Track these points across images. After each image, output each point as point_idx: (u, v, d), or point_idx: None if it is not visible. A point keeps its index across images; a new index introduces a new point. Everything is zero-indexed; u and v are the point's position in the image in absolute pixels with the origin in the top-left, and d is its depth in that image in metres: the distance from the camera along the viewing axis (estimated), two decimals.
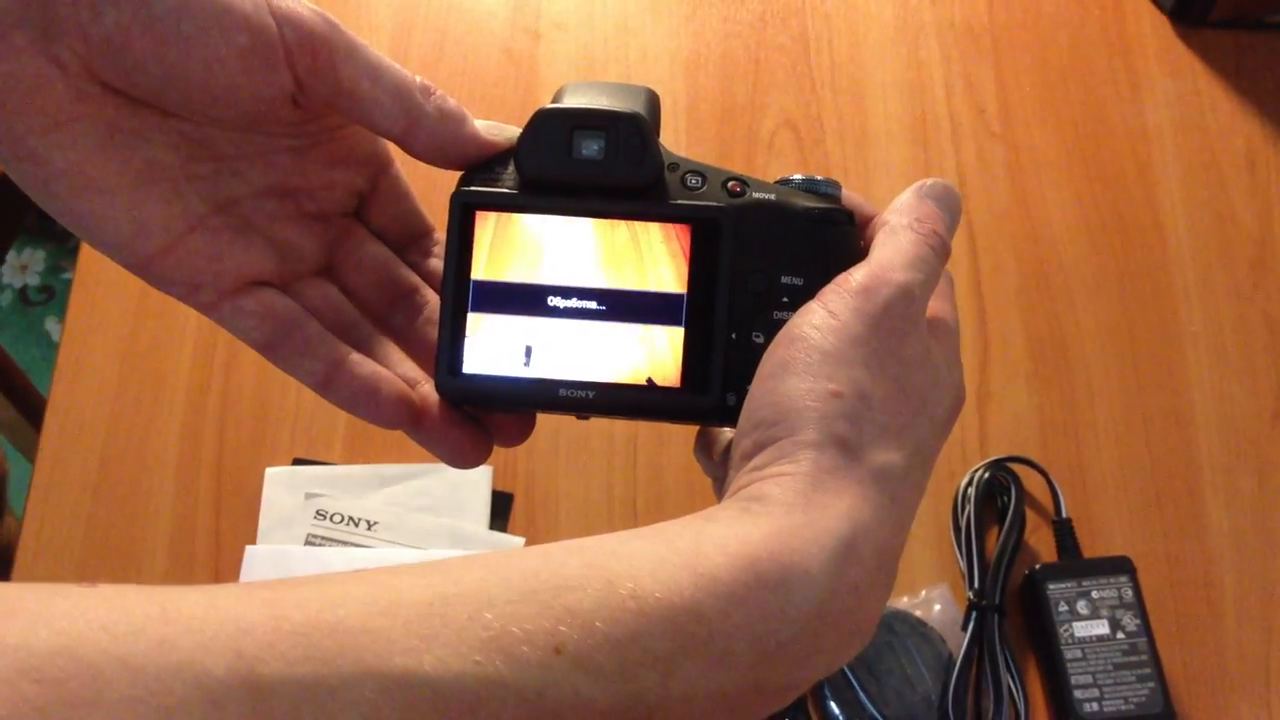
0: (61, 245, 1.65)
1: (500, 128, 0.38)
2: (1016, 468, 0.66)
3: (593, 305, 0.36)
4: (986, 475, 0.66)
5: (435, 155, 0.37)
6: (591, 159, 0.36)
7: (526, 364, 0.37)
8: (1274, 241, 0.74)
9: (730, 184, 0.37)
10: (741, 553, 0.30)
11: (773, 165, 0.77)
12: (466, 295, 0.37)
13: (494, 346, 0.37)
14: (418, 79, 0.36)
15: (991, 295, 0.73)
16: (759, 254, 0.37)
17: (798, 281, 0.37)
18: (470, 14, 0.80)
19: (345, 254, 0.40)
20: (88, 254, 0.75)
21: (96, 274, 0.74)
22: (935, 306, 0.37)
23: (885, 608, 0.62)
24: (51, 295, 1.61)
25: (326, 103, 0.35)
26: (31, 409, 1.19)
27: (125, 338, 0.72)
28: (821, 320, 0.33)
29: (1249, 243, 0.74)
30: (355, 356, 0.37)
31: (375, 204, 0.40)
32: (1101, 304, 0.72)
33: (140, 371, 0.71)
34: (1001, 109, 0.79)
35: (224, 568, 0.66)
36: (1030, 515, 0.66)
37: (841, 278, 0.34)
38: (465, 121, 0.37)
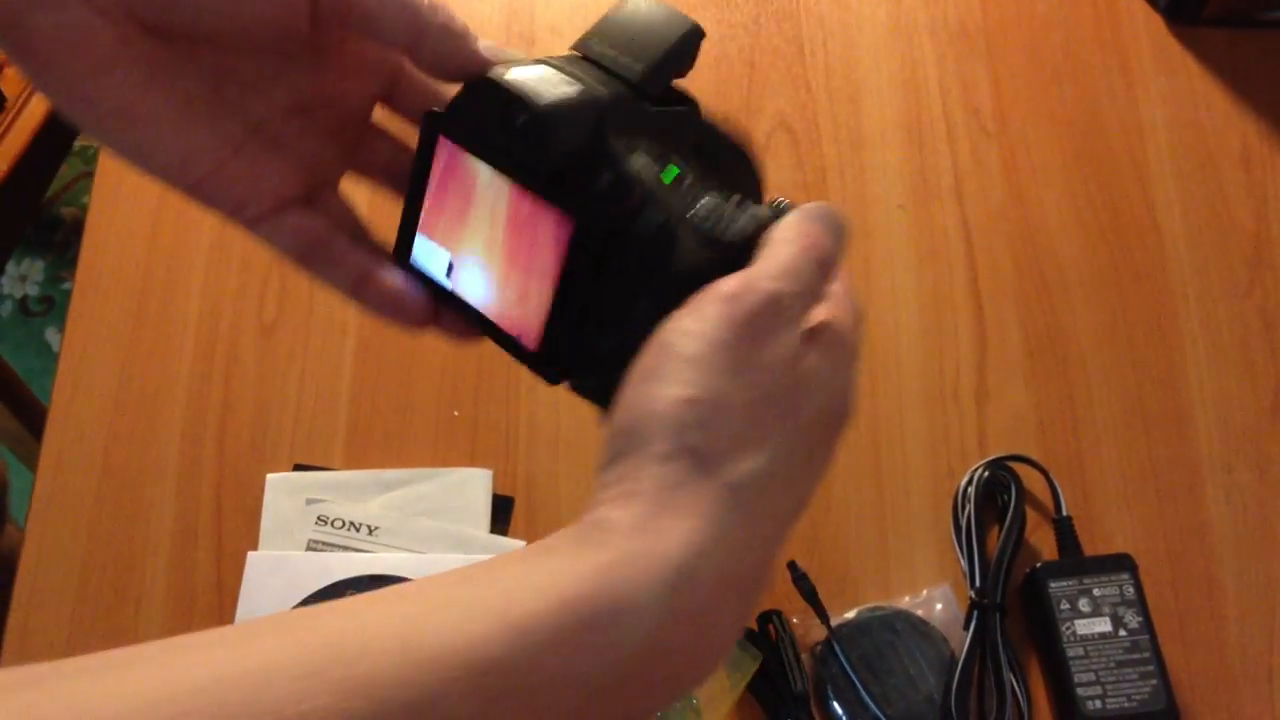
0: (61, 255, 1.65)
1: (503, 51, 0.39)
2: (1016, 466, 0.66)
3: (498, 253, 0.39)
4: (986, 474, 0.66)
5: (439, 69, 0.38)
6: (514, 131, 0.37)
7: (448, 276, 0.40)
8: (1270, 238, 0.75)
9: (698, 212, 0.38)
10: (560, 595, 0.29)
11: (769, 166, 0.77)
12: (421, 203, 0.40)
13: (431, 252, 0.40)
14: None
15: (988, 294, 0.73)
16: (626, 270, 0.37)
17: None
18: (464, 19, 0.80)
19: (367, 158, 0.42)
20: (87, 263, 0.75)
21: (96, 283, 0.74)
22: (825, 314, 0.36)
23: (886, 608, 0.63)
24: (51, 305, 1.62)
25: (340, 18, 0.37)
26: (32, 419, 1.20)
27: (125, 346, 0.72)
28: (687, 326, 0.33)
29: (1245, 239, 0.74)
30: (382, 268, 0.40)
31: (400, 100, 0.42)
32: (1099, 302, 0.73)
33: (140, 380, 0.71)
34: (996, 108, 0.79)
35: (225, 574, 0.66)
36: (1030, 514, 0.66)
37: (713, 285, 0.34)
38: (469, 38, 0.38)
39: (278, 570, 0.65)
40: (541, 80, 0.38)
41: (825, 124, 0.79)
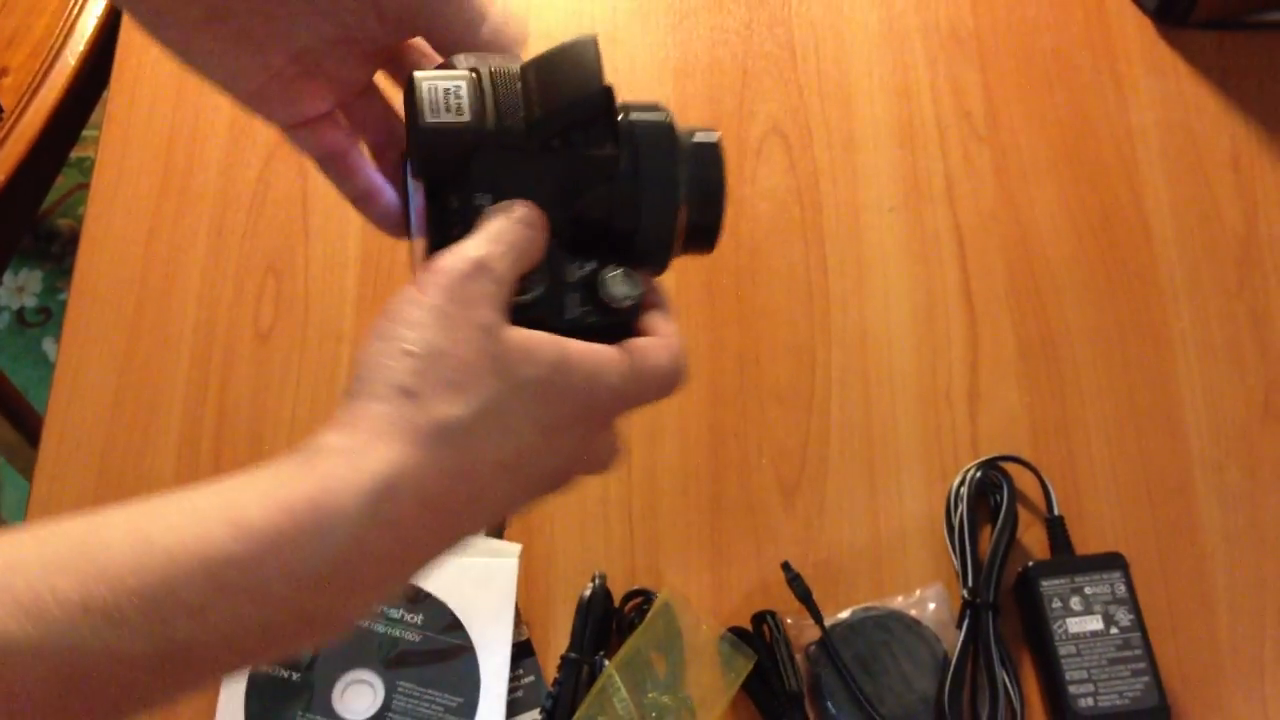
0: (58, 266, 1.65)
1: (503, 33, 0.46)
2: (1008, 466, 0.67)
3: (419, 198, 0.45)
4: (978, 475, 0.66)
5: (460, 45, 0.45)
6: (409, 131, 0.44)
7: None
8: (1259, 239, 0.75)
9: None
10: (278, 501, 0.33)
11: (761, 171, 0.78)
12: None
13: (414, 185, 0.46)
14: None
15: (980, 296, 0.73)
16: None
17: None
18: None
19: (396, 71, 0.47)
20: (82, 273, 0.76)
21: (91, 292, 0.75)
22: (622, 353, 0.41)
23: (880, 608, 0.63)
24: (48, 316, 1.62)
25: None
26: (29, 429, 1.20)
27: (120, 355, 0.73)
28: (408, 293, 0.38)
29: (1234, 241, 0.75)
30: (384, 187, 0.47)
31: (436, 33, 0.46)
32: (1090, 303, 0.73)
33: (136, 388, 0.72)
34: (987, 112, 0.79)
35: None
36: (1022, 513, 0.66)
37: (432, 257, 0.40)
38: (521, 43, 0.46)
39: None
40: (445, 96, 0.43)
41: (818, 128, 0.80)
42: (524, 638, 0.64)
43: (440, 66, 0.46)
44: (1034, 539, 0.66)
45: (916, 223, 0.76)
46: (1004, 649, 0.62)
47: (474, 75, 0.44)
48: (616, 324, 0.45)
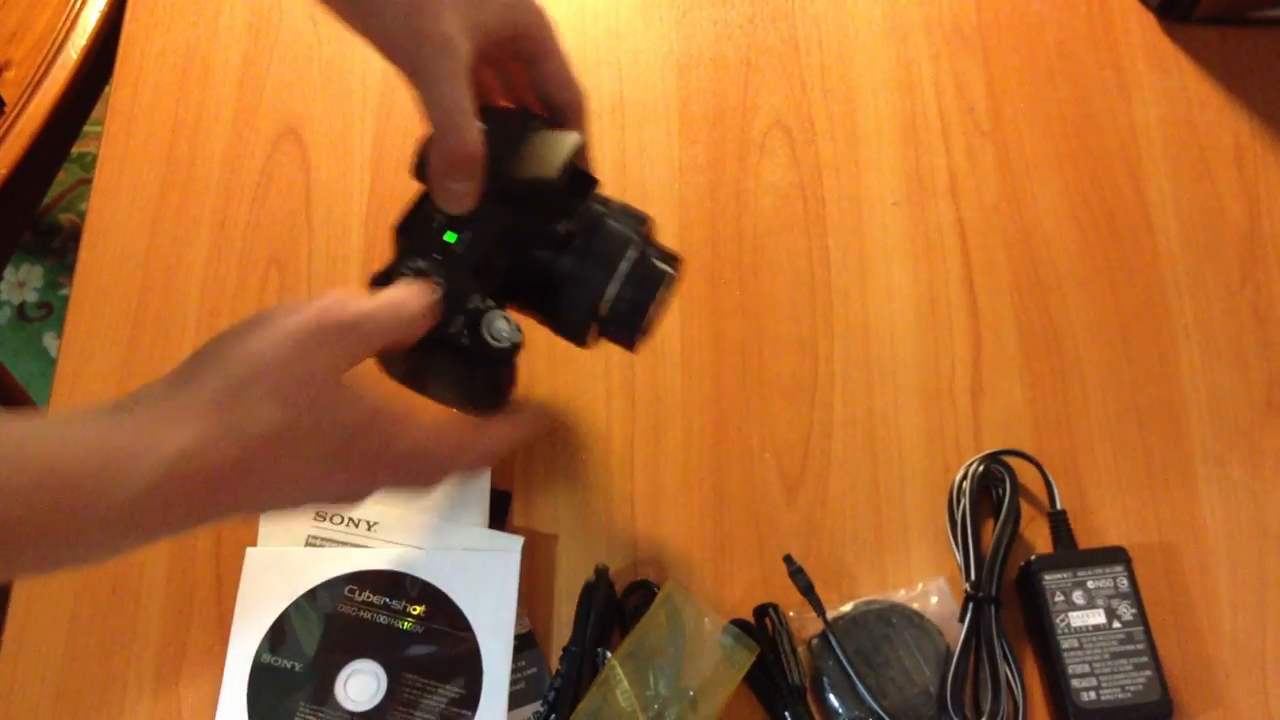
0: (59, 261, 1.65)
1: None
2: (1011, 461, 0.67)
3: None
4: (981, 469, 0.66)
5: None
6: None
7: None
8: (1262, 235, 0.75)
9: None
10: (99, 443, 0.43)
11: (764, 165, 0.78)
12: None
13: None
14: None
15: (983, 291, 0.73)
16: None
17: None
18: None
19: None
20: (84, 267, 0.76)
21: (93, 287, 0.75)
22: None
23: (882, 602, 0.63)
24: (50, 311, 1.62)
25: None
26: None
27: (123, 347, 0.73)
28: (288, 307, 0.47)
29: (1237, 237, 0.75)
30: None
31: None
32: (1093, 298, 0.73)
33: (139, 380, 0.72)
34: (991, 107, 0.79)
35: (225, 570, 0.66)
36: (1025, 508, 0.66)
37: (322, 296, 0.48)
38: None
39: (276, 566, 0.65)
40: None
41: (821, 122, 0.80)
42: (526, 629, 0.64)
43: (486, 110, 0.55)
44: (1036, 533, 0.66)
45: (919, 217, 0.76)
46: (1006, 643, 0.62)
47: (493, 122, 0.54)
48: (486, 355, 0.54)
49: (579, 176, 0.57)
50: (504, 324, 0.53)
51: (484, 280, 0.54)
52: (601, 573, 0.63)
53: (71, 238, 1.66)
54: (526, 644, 0.64)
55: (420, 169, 0.55)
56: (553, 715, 0.60)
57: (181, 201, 0.77)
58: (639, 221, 0.57)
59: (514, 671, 0.63)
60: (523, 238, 0.56)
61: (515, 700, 0.62)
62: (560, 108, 0.58)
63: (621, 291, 0.56)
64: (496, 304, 0.54)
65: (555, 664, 0.63)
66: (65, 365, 0.73)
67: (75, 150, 1.57)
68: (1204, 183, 0.76)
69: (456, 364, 0.55)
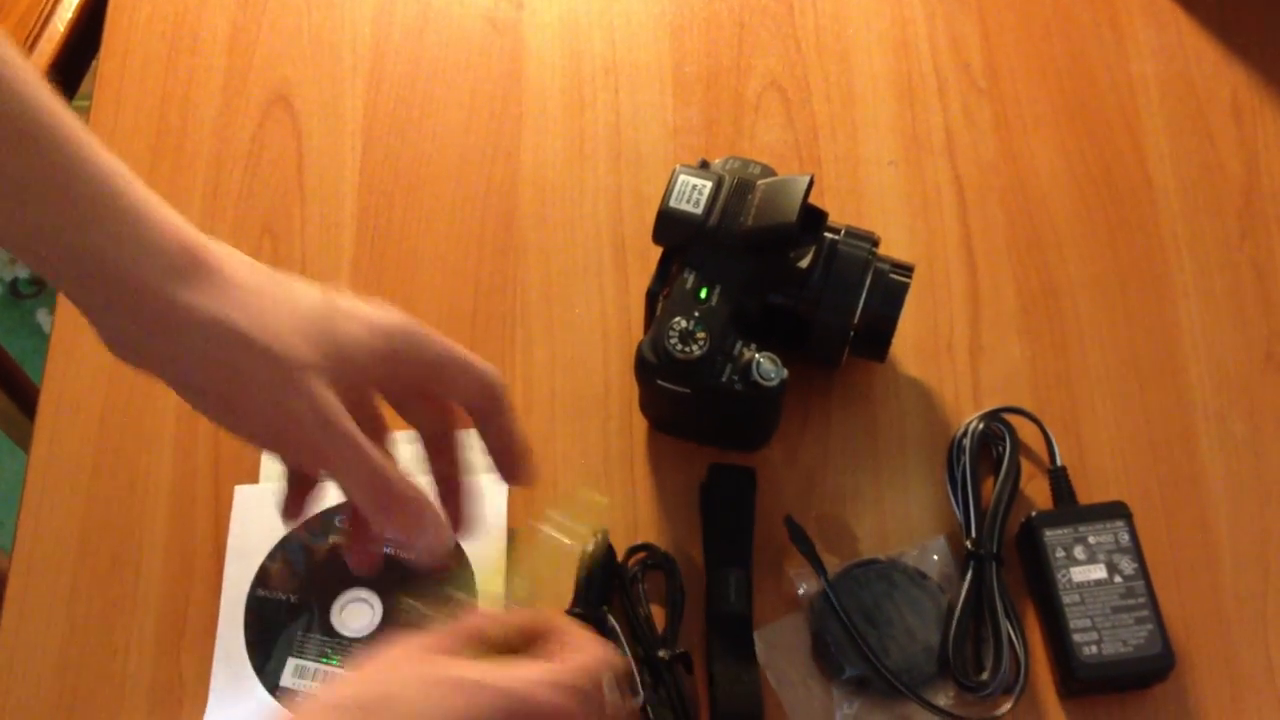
0: None
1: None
2: (1011, 418, 0.66)
3: None
4: (981, 427, 0.66)
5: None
6: None
7: None
8: (1261, 189, 0.75)
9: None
10: None
11: (759, 126, 0.77)
12: None
13: None
14: None
15: (981, 249, 0.73)
16: None
17: None
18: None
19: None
20: None
21: None
22: None
23: (883, 560, 0.63)
24: (42, 287, 1.61)
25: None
26: (25, 401, 1.19)
27: None
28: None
29: (1236, 191, 0.74)
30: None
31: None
32: (1091, 255, 0.73)
33: None
34: (987, 64, 0.79)
35: (224, 541, 0.66)
36: (1025, 465, 0.66)
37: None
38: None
39: (267, 502, 0.65)
40: (691, 191, 0.63)
41: (816, 82, 0.79)
42: (529, 593, 0.64)
43: (703, 164, 0.65)
44: (1037, 490, 0.66)
45: (916, 176, 0.76)
46: (1007, 599, 0.62)
47: (719, 181, 0.63)
48: (756, 397, 0.59)
49: (810, 212, 0.62)
50: (770, 365, 0.59)
51: (740, 327, 0.60)
52: (601, 536, 0.63)
53: None
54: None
55: (657, 237, 0.63)
56: None
57: (172, 171, 0.77)
58: (870, 242, 0.63)
59: None
60: (768, 279, 0.62)
61: None
62: (484, 403, 0.52)
63: (868, 309, 0.62)
64: (757, 347, 0.60)
65: None
66: (59, 340, 0.72)
67: None
68: (1202, 138, 0.76)
69: (731, 409, 0.61)
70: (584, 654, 0.46)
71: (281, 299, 0.48)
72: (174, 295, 0.45)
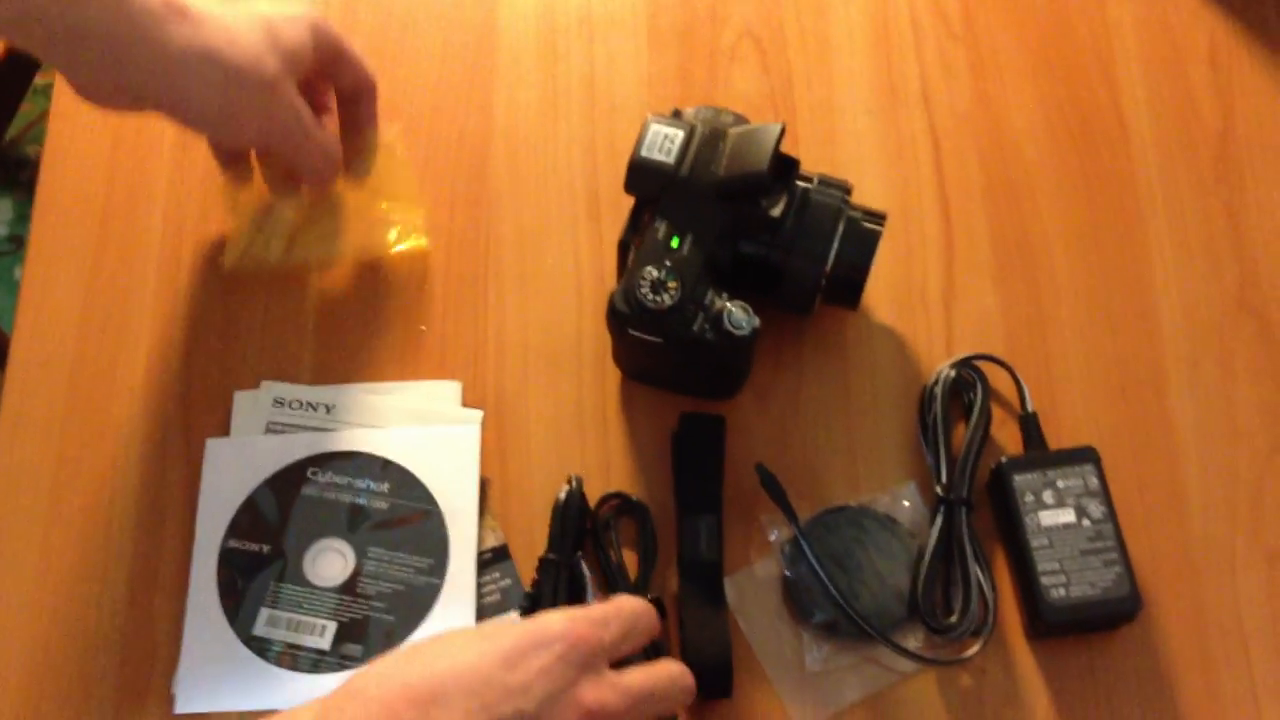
0: (29, 195, 1.63)
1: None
2: (983, 365, 0.66)
3: None
4: (953, 374, 0.66)
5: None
6: None
7: None
8: (1236, 136, 0.74)
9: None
10: None
11: (735, 74, 0.77)
12: None
13: None
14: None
15: (956, 196, 0.73)
16: None
17: None
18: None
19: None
20: (46, 187, 0.75)
21: (56, 207, 0.74)
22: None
23: (854, 506, 0.63)
24: (19, 244, 1.60)
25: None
26: (5, 356, 1.19)
27: (87, 269, 0.72)
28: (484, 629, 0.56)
29: (1211, 136, 0.74)
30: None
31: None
32: (1066, 201, 0.73)
33: (105, 303, 0.71)
34: (963, 12, 0.78)
35: (196, 490, 0.66)
36: (997, 412, 0.66)
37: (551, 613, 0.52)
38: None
39: (238, 454, 0.65)
40: (662, 140, 0.63)
41: (791, 31, 0.78)
42: (501, 542, 0.64)
43: (675, 114, 0.64)
44: (1008, 437, 0.66)
45: (892, 125, 0.75)
46: (977, 544, 0.62)
47: (690, 130, 0.62)
48: (728, 346, 0.59)
49: (782, 160, 0.62)
50: (742, 314, 0.59)
51: (712, 275, 0.60)
52: (575, 484, 0.63)
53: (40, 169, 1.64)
54: (500, 556, 0.64)
55: (629, 186, 0.63)
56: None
57: (141, 122, 0.76)
58: (843, 190, 0.63)
59: (488, 583, 0.63)
60: (740, 228, 0.62)
61: (489, 611, 0.63)
62: (354, 94, 0.67)
63: (840, 257, 0.62)
64: (729, 296, 0.59)
65: (529, 576, 0.63)
66: (28, 294, 0.72)
67: (40, 81, 1.54)
68: (1178, 83, 0.76)
69: (702, 358, 0.61)
70: (612, 602, 0.53)
71: (242, 21, 0.58)
72: (167, 38, 0.55)
